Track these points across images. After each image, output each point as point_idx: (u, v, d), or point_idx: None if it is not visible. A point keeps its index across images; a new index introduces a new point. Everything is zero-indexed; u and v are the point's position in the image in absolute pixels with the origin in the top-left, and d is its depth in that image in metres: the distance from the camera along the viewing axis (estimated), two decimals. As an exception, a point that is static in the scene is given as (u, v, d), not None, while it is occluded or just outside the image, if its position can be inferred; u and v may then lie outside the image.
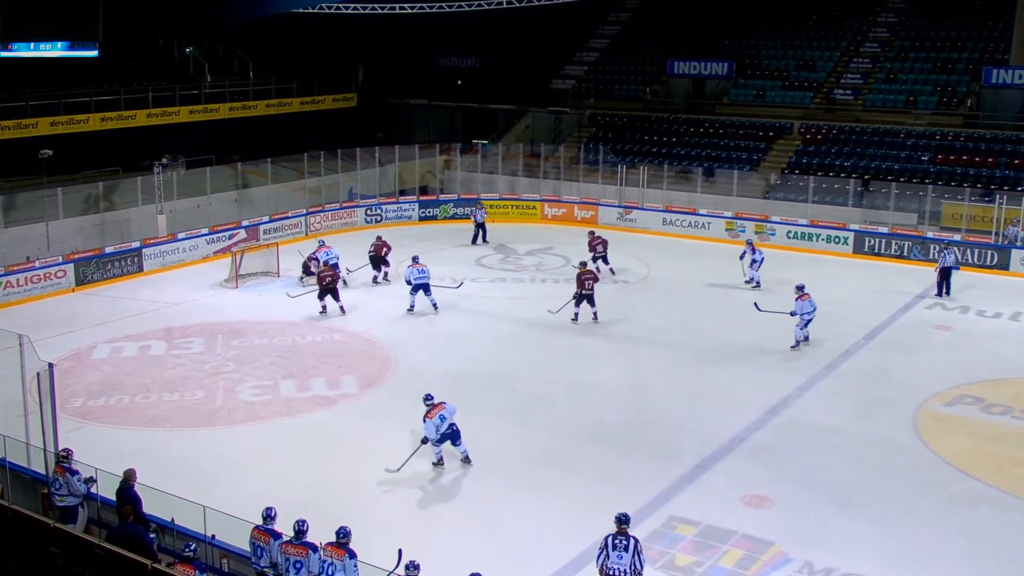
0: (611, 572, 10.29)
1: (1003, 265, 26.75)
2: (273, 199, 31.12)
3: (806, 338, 20.13)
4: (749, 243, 25.51)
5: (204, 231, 27.76)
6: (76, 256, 24.64)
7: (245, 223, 28.86)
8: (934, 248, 25.28)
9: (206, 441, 15.56)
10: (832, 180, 31.92)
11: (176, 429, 15.99)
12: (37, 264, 23.81)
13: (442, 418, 14.29)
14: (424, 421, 14.22)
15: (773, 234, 29.13)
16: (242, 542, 10.65)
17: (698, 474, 14.38)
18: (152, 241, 26.54)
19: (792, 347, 19.98)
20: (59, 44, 31.40)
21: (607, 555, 10.33)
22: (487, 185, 35.16)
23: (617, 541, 10.36)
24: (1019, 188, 29.68)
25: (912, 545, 12.53)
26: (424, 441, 14.28)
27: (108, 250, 25.43)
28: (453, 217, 32.73)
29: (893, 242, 28.25)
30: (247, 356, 19.44)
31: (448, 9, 38.29)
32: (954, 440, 15.80)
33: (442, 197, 34.78)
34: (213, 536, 10.94)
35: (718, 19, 41.40)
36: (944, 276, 24.25)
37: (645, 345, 20.56)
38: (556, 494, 13.73)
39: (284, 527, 10.41)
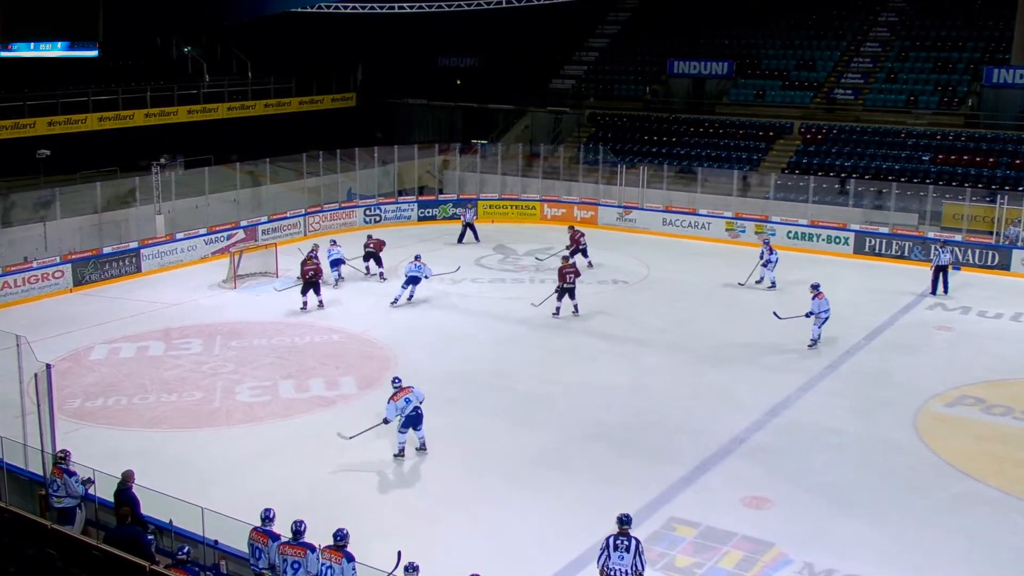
0: (612, 572, 10.25)
1: (1004, 265, 26.71)
2: (272, 199, 31.07)
3: (819, 337, 20.13)
4: (766, 243, 25.55)
5: (202, 231, 27.71)
6: (74, 256, 24.58)
7: (243, 223, 28.81)
8: (934, 248, 25.14)
9: (204, 442, 15.51)
10: (833, 180, 31.88)
11: (174, 430, 15.94)
12: (35, 264, 23.75)
13: (407, 400, 14.51)
14: (388, 403, 14.45)
15: (773, 234, 29.05)
16: (240, 544, 10.60)
17: (698, 475, 14.34)
18: (150, 241, 26.49)
19: (809, 345, 20.00)
20: (59, 44, 31.32)
21: (608, 555, 10.30)
22: (487, 185, 35.11)
23: (619, 542, 10.33)
24: (1020, 188, 29.63)
25: (912, 546, 12.49)
26: (386, 422, 14.49)
27: (106, 250, 25.37)
28: (452, 217, 32.68)
29: (894, 242, 28.21)
30: (246, 357, 19.39)
31: (448, 9, 38.27)
32: (955, 441, 15.76)
33: (441, 197, 34.75)
34: (216, 541, 10.90)
35: (718, 19, 41.36)
36: (939, 274, 24.24)
37: (645, 345, 20.52)
38: (555, 495, 13.69)
39: (283, 528, 10.36)
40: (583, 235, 27.03)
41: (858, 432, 16.00)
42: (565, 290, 22.07)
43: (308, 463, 14.67)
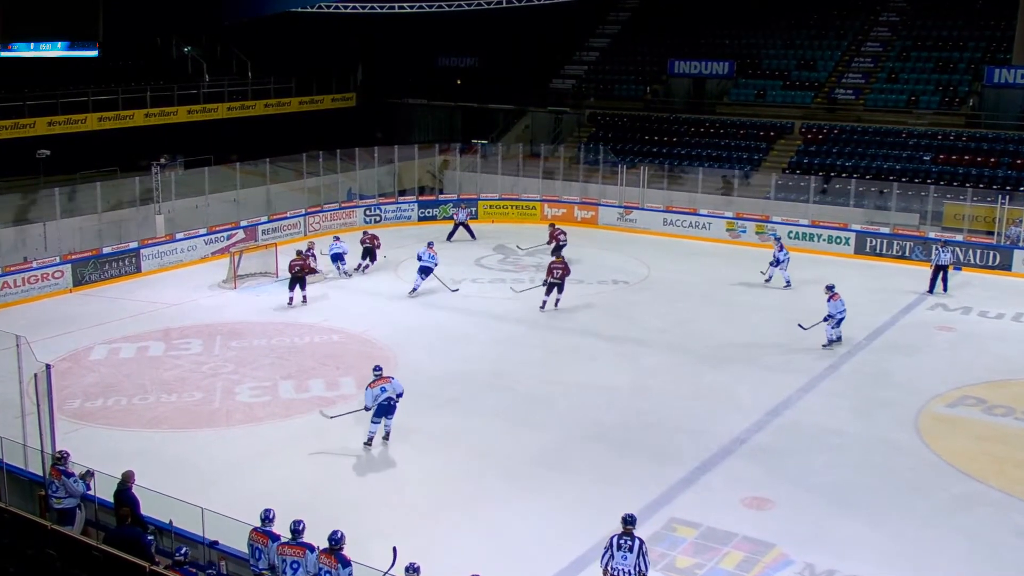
0: (615, 573, 10.22)
1: (1005, 266, 26.68)
2: (272, 199, 31.05)
3: (839, 338, 20.14)
4: (778, 240, 25.55)
5: (202, 231, 27.68)
6: (74, 256, 24.55)
7: (243, 223, 28.79)
8: (935, 248, 25.15)
9: (204, 442, 15.49)
10: (834, 180, 31.84)
11: (174, 430, 15.92)
12: (34, 264, 23.73)
13: (383, 390, 14.84)
14: (366, 389, 14.75)
15: (774, 234, 29.01)
16: (240, 544, 10.58)
17: (698, 475, 14.31)
18: (150, 241, 26.46)
19: (824, 346, 19.98)
20: (59, 44, 31.33)
21: (611, 555, 10.28)
22: (487, 185, 35.08)
23: (622, 541, 10.31)
24: (1021, 188, 29.60)
25: (913, 547, 12.46)
26: (366, 408, 14.77)
27: (106, 250, 25.34)
28: (452, 217, 32.64)
29: (895, 242, 28.18)
30: (245, 357, 19.37)
31: (447, 9, 38.25)
32: (955, 442, 15.73)
33: (441, 197, 34.72)
34: (216, 542, 10.88)
35: (718, 18, 41.34)
36: (938, 273, 24.22)
37: (645, 346, 20.50)
38: (556, 495, 13.67)
39: (283, 529, 10.34)
40: (564, 233, 27.25)
41: (859, 432, 15.97)
42: (552, 285, 22.44)
43: (308, 463, 14.65)
